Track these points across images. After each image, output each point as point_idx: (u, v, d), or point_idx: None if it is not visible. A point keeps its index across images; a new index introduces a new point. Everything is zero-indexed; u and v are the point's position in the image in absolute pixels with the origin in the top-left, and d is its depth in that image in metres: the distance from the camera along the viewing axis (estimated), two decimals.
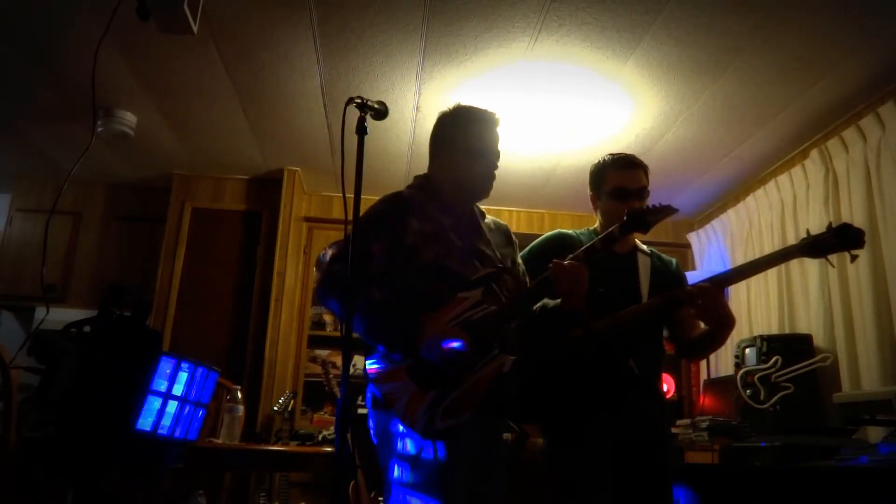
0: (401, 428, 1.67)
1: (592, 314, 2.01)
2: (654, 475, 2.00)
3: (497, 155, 1.91)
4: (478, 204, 1.99)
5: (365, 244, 1.73)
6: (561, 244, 2.14)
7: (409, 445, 1.67)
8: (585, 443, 1.97)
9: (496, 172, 1.91)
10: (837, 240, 1.86)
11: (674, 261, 2.28)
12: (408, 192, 1.89)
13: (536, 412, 2.12)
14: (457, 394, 1.64)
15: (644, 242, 2.25)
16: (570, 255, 1.83)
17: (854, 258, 1.89)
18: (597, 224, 2.24)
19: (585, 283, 1.78)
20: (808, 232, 1.94)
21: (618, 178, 2.11)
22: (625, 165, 2.13)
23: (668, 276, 2.18)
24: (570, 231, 2.24)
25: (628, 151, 2.21)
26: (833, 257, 1.92)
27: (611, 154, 2.18)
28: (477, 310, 1.72)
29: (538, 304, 1.92)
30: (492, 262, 1.85)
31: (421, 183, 1.95)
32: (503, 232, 2.02)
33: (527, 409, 2.13)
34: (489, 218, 2.02)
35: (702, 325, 2.14)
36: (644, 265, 2.16)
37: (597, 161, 2.20)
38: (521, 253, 2.18)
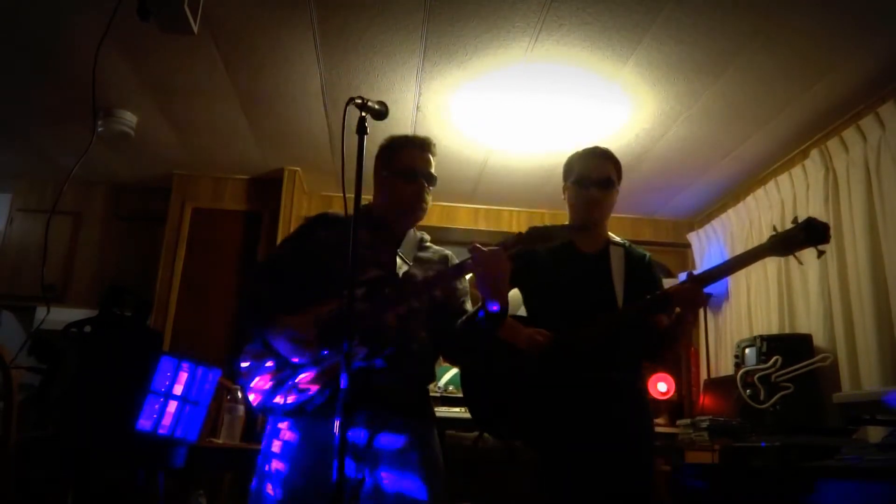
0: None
1: (567, 320, 2.02)
2: (635, 479, 2.01)
3: (428, 177, 1.92)
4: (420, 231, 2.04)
5: (279, 256, 1.97)
6: (526, 249, 2.18)
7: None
8: (568, 454, 1.99)
9: (426, 196, 1.92)
10: (804, 235, 1.86)
11: (647, 255, 2.27)
12: (336, 212, 2.00)
13: (520, 429, 2.13)
14: (299, 377, 1.74)
15: (645, 243, 2.25)
16: (501, 242, 1.80)
17: (821, 254, 1.89)
18: (567, 221, 2.26)
19: (506, 272, 1.72)
20: (774, 228, 1.94)
21: (582, 166, 2.17)
22: (591, 154, 2.19)
23: (640, 272, 2.18)
24: None
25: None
26: (804, 254, 1.92)
27: (584, 147, 2.24)
28: (333, 311, 1.79)
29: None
30: (391, 264, 1.88)
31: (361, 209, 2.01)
32: (442, 258, 2.02)
33: (511, 427, 2.15)
34: (434, 249, 2.04)
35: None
36: (617, 258, 2.17)
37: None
38: None
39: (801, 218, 1.90)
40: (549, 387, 2.03)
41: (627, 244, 2.24)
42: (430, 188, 1.94)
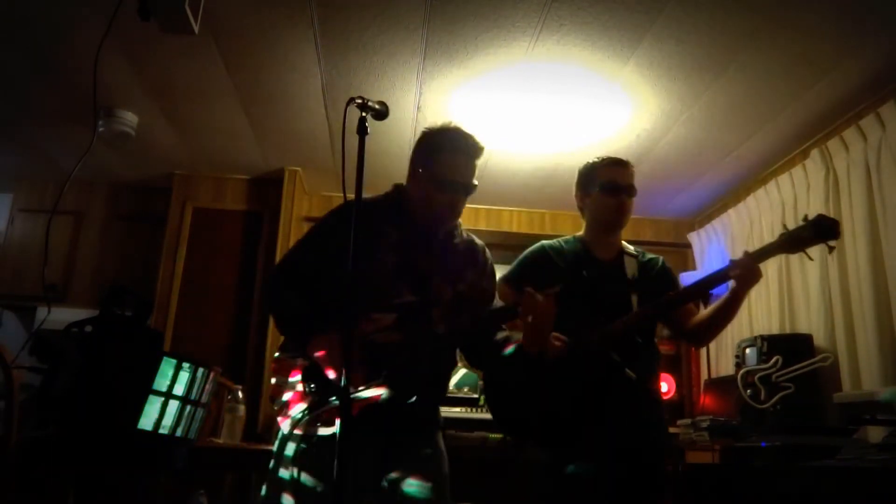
0: (283, 427, 1.70)
1: (582, 323, 2.03)
2: (648, 478, 2.01)
3: (465, 186, 1.82)
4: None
5: (301, 255, 1.84)
6: (542, 258, 2.22)
7: (285, 445, 1.73)
8: (583, 453, 2.00)
9: (459, 206, 1.85)
10: (814, 232, 1.88)
11: (660, 259, 2.30)
12: (364, 202, 1.86)
13: (532, 428, 2.14)
14: (328, 408, 1.62)
15: (646, 243, 2.28)
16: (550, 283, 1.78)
17: (832, 249, 1.90)
18: (582, 231, 2.29)
19: (552, 319, 1.76)
20: (784, 227, 1.95)
21: (610, 174, 2.19)
22: (617, 163, 2.22)
23: (654, 277, 2.22)
24: (553, 242, 2.28)
25: (629, 152, 2.26)
26: (814, 251, 1.93)
27: (599, 157, 2.26)
28: (383, 334, 1.69)
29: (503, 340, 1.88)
30: (425, 288, 1.79)
31: (392, 193, 1.93)
32: (470, 253, 1.96)
33: (523, 427, 2.16)
34: (465, 237, 1.97)
35: (700, 310, 2.18)
36: (631, 266, 2.20)
37: (585, 163, 2.28)
38: (507, 272, 2.19)
39: (811, 215, 1.91)
40: (567, 390, 2.03)
41: (640, 253, 2.27)
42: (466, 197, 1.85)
